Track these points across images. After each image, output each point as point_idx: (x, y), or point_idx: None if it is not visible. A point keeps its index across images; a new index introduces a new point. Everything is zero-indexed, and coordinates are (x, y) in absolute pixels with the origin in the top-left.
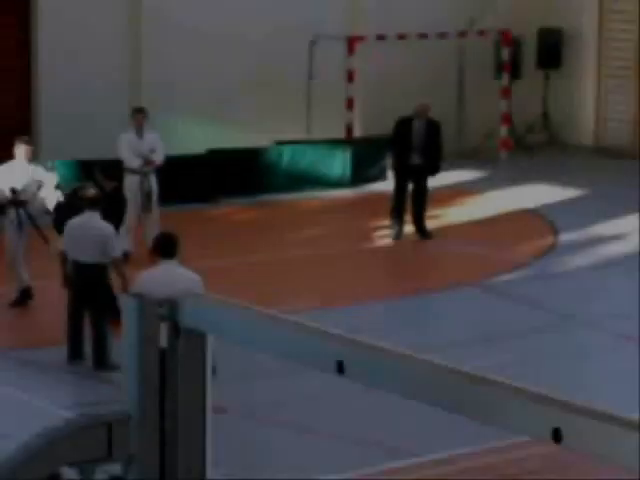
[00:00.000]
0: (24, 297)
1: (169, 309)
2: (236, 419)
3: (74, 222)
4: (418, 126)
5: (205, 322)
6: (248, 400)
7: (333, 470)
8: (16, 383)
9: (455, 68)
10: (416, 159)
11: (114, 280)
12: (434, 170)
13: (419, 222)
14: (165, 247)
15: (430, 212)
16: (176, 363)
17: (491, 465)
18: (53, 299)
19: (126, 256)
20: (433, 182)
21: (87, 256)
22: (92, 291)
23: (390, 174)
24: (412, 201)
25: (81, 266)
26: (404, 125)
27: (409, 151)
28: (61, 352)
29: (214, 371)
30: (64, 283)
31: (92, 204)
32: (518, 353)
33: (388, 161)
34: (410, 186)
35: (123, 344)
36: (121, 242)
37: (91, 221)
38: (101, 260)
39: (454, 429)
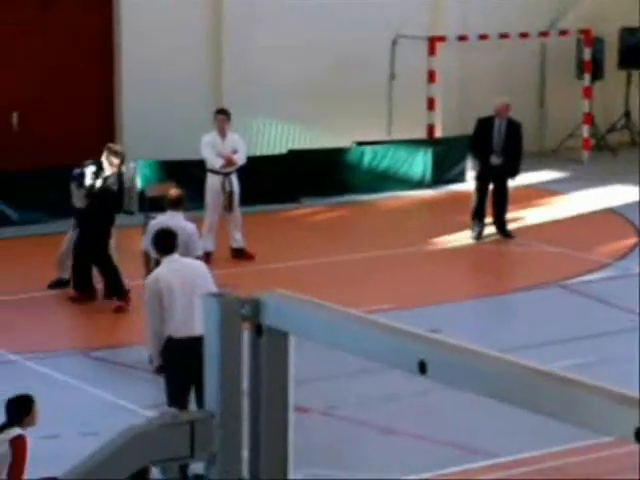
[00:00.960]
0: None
1: (251, 308)
2: (319, 419)
3: (157, 221)
4: (498, 126)
5: (288, 321)
6: (331, 400)
7: (415, 470)
8: (100, 383)
9: (536, 68)
10: (496, 159)
11: None
12: (514, 171)
13: (500, 222)
14: (164, 244)
15: (511, 212)
16: (258, 362)
17: (572, 466)
18: (135, 299)
19: (208, 256)
20: (514, 182)
21: None
22: None
23: (471, 174)
24: (493, 201)
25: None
26: (484, 125)
27: (489, 152)
28: (142, 352)
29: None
30: None
31: (174, 204)
32: (600, 353)
33: (468, 162)
34: (490, 186)
35: (205, 343)
36: (203, 242)
37: (173, 221)
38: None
39: (535, 430)
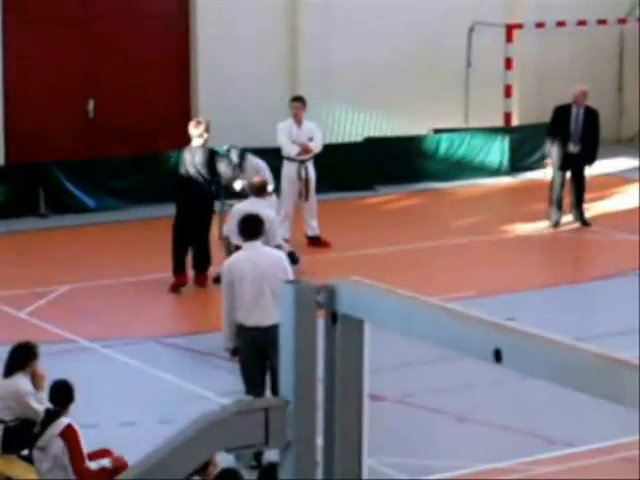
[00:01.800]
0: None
1: (326, 295)
2: (394, 406)
3: (238, 207)
4: (576, 113)
5: (363, 309)
6: (406, 387)
7: (489, 459)
8: (176, 370)
9: (614, 55)
10: (574, 147)
11: None
12: (591, 159)
13: (578, 210)
14: (247, 229)
15: (589, 200)
16: (333, 350)
17: None
18: (212, 285)
19: (285, 242)
20: (592, 170)
21: None
22: None
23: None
24: (571, 189)
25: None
26: (562, 113)
27: (567, 139)
28: (217, 339)
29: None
30: None
31: (257, 191)
32: None
33: (547, 149)
34: (568, 174)
35: (280, 331)
36: (280, 229)
37: (254, 207)
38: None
39: (611, 419)
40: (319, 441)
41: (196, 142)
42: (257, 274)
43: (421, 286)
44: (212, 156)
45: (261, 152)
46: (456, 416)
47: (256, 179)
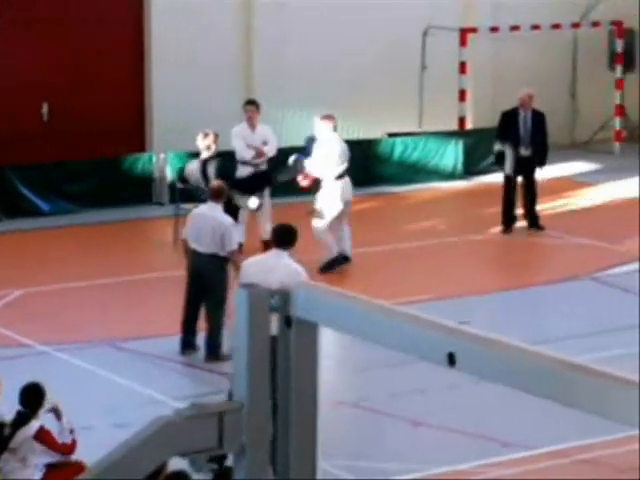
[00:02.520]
0: None
1: (280, 300)
2: (348, 410)
3: (196, 211)
4: (524, 117)
5: (317, 313)
6: (361, 391)
7: (444, 462)
8: (131, 374)
9: (568, 60)
10: (525, 151)
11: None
12: (542, 161)
13: (530, 214)
14: (280, 237)
15: (542, 204)
16: (288, 354)
17: (604, 458)
18: (166, 289)
19: (239, 247)
20: (546, 174)
21: (205, 246)
22: (208, 281)
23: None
24: (523, 193)
25: (199, 255)
26: (509, 117)
27: (518, 143)
28: (173, 343)
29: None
30: (187, 271)
31: (215, 195)
32: (631, 346)
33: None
34: (519, 178)
35: (234, 335)
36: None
37: (212, 212)
38: (218, 251)
39: (566, 422)
40: (273, 445)
41: (204, 154)
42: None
43: (376, 290)
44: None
45: (215, 156)
46: (410, 420)
47: (214, 183)
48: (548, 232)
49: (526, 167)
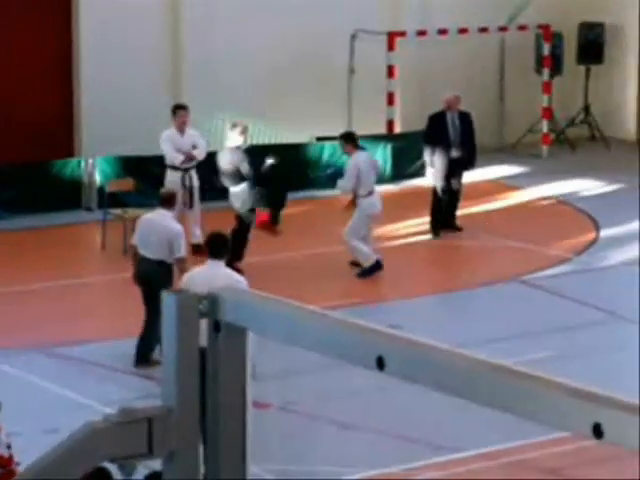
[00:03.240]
0: None
1: (209, 305)
2: (279, 415)
3: (145, 217)
4: (451, 119)
5: (245, 318)
6: (290, 395)
7: (374, 465)
8: (59, 380)
9: (496, 63)
10: (456, 152)
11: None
12: (471, 161)
13: (452, 215)
14: (213, 247)
15: (470, 207)
16: (216, 359)
17: (531, 460)
18: (95, 294)
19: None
20: (475, 177)
21: (152, 252)
22: (154, 287)
23: (429, 170)
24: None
25: (147, 261)
26: (437, 120)
27: (449, 146)
28: (103, 348)
29: (253, 373)
30: (133, 277)
31: (165, 202)
32: (559, 348)
33: (427, 158)
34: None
35: (163, 340)
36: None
37: (160, 219)
38: (165, 258)
39: (495, 424)
40: (202, 450)
41: (232, 142)
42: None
43: (305, 294)
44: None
45: (145, 160)
46: (340, 423)
47: (163, 190)
48: (477, 235)
49: (455, 168)
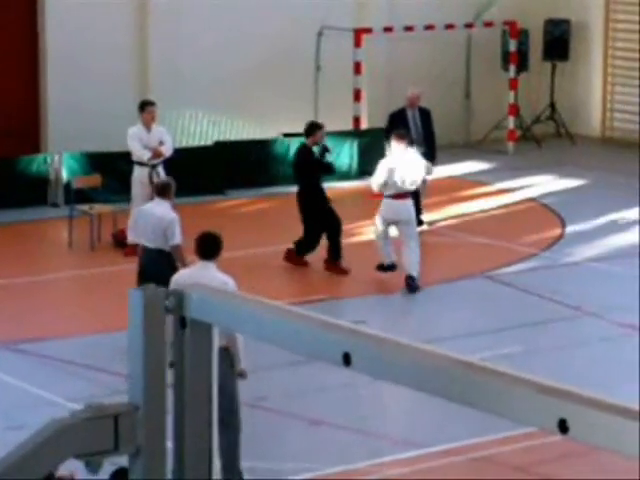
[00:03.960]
0: None
1: (175, 300)
2: (246, 410)
3: (141, 207)
4: (412, 116)
5: (212, 313)
6: (258, 391)
7: (341, 461)
8: (25, 376)
9: (462, 60)
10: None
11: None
12: (433, 156)
13: (417, 210)
14: (204, 247)
15: (437, 203)
16: (182, 355)
17: (499, 455)
18: (62, 290)
19: (134, 247)
20: (441, 173)
21: (149, 241)
22: (151, 276)
23: None
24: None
25: (144, 250)
26: (398, 117)
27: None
28: (69, 344)
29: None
30: (137, 275)
31: (160, 191)
32: (526, 344)
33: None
34: None
35: (129, 336)
36: (129, 234)
37: (156, 208)
38: (163, 247)
39: (461, 420)
40: (169, 446)
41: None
42: None
43: (272, 290)
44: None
45: (112, 157)
46: (307, 419)
47: (158, 181)
48: (443, 231)
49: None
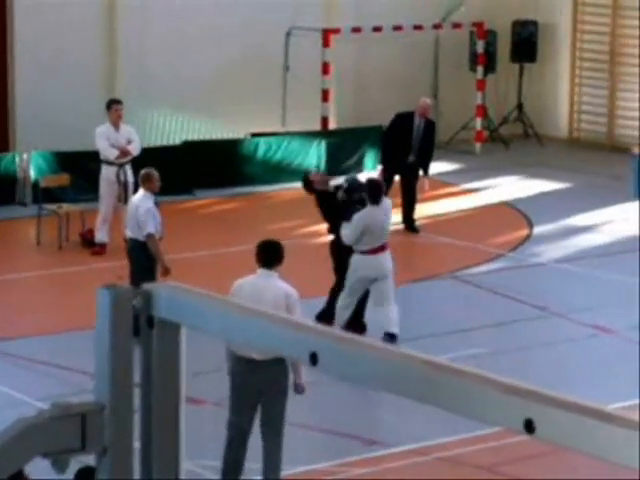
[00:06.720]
0: None
1: (143, 300)
2: (214, 410)
3: (132, 198)
4: (418, 123)
5: (180, 313)
6: (224, 391)
7: (306, 461)
8: None
9: (430, 60)
10: (412, 157)
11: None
12: (426, 169)
13: (410, 218)
14: (265, 255)
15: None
16: (150, 354)
17: (465, 455)
18: (29, 289)
19: (102, 246)
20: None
21: (131, 231)
22: (133, 265)
23: (368, 166)
24: (402, 198)
25: (126, 240)
26: (404, 121)
27: (407, 148)
28: (37, 343)
29: None
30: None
31: (142, 182)
32: (492, 344)
33: (377, 154)
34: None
35: (96, 335)
36: (98, 233)
37: (136, 197)
38: (137, 236)
39: (428, 420)
40: (136, 446)
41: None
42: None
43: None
44: None
45: (80, 156)
46: None
47: (142, 171)
48: (410, 232)
49: (408, 172)
